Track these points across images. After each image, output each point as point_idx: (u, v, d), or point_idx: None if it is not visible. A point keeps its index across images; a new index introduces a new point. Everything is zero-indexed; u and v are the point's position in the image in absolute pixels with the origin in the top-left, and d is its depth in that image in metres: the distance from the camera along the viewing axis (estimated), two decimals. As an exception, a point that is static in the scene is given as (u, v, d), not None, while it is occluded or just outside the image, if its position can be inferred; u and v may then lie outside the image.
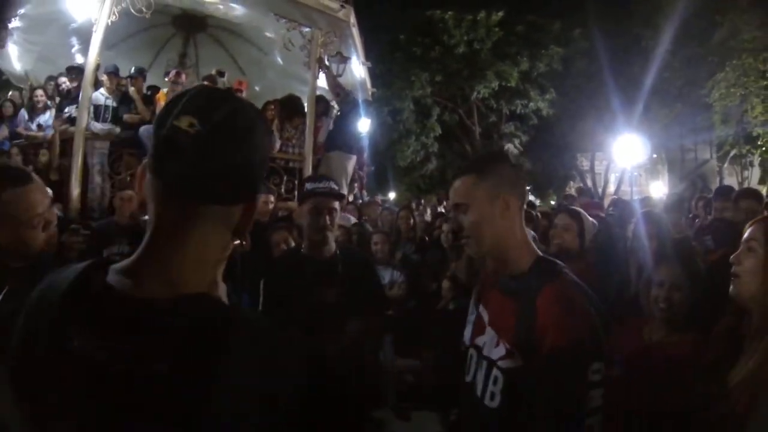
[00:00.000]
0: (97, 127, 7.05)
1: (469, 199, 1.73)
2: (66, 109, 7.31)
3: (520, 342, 1.59)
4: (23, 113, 7.87)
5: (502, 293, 1.74)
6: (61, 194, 6.12)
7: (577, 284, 1.66)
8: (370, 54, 10.64)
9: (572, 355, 1.49)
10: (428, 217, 8.91)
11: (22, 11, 8.30)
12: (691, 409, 1.89)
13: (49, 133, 7.36)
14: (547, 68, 21.90)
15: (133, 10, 7.15)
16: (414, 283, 5.43)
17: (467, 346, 1.84)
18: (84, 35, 7.51)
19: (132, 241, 4.56)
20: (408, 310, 5.25)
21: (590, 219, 3.44)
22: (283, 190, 7.91)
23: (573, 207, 3.79)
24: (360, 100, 8.36)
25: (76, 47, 8.93)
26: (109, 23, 7.06)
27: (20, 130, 7.62)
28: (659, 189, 28.61)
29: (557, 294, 1.60)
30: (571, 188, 25.77)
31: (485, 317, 1.79)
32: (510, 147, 23.47)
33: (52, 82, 8.37)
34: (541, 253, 1.77)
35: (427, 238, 6.46)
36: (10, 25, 8.54)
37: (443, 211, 10.25)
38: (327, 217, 2.95)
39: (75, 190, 6.50)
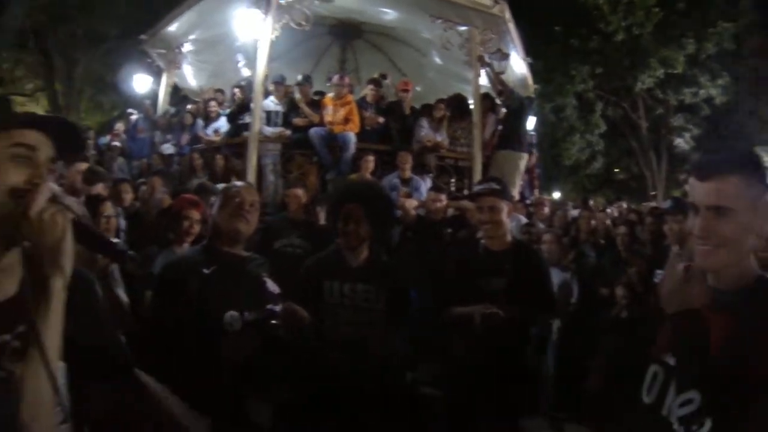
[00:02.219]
0: (269, 131, 7.55)
1: (736, 204, 1.46)
2: (240, 116, 8.04)
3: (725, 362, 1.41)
4: (200, 122, 9.02)
5: (708, 309, 1.54)
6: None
7: None
8: (526, 49, 10.30)
9: None
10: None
11: (192, 36, 9.41)
12: None
13: (224, 137, 8.32)
14: (717, 48, 19.38)
15: (293, 25, 7.62)
16: (586, 286, 5.27)
17: (650, 362, 1.66)
18: (249, 51, 8.10)
19: (303, 234, 5.00)
20: (576, 314, 5.13)
21: None
22: (453, 189, 7.91)
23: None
24: (523, 97, 8.13)
25: (242, 62, 9.63)
26: (273, 38, 7.56)
27: (200, 134, 8.75)
28: None
29: None
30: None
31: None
32: (680, 142, 21.61)
33: (219, 93, 9.43)
34: (758, 270, 1.55)
35: (603, 242, 6.16)
36: (183, 50, 9.73)
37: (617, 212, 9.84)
38: (488, 214, 3.18)
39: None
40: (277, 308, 2.36)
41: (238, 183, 2.70)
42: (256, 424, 2.35)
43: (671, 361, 1.58)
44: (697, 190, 1.54)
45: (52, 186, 1.24)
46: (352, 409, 2.68)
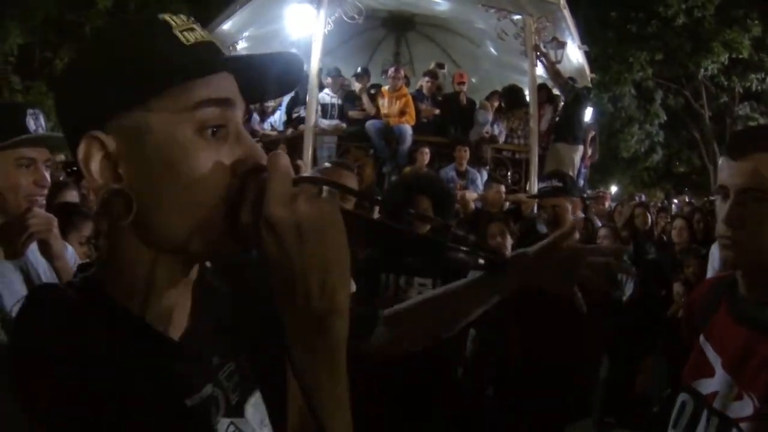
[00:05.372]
0: (325, 123, 7.64)
1: None
2: (295, 110, 8.09)
3: None
4: (255, 116, 9.02)
5: (746, 326, 1.28)
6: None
7: None
8: (581, 36, 10.05)
9: None
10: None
11: (246, 34, 9.51)
12: None
13: (281, 131, 8.46)
14: (786, 30, 18.34)
15: (345, 18, 7.70)
16: (643, 285, 5.07)
17: (678, 388, 1.41)
18: (302, 46, 8.19)
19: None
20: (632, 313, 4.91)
21: None
22: (509, 181, 7.87)
23: None
24: (580, 88, 7.96)
25: None
26: (326, 32, 7.66)
27: (256, 127, 8.76)
28: None
29: None
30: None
31: (711, 354, 1.33)
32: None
33: None
34: None
35: (665, 237, 5.98)
36: (238, 47, 9.74)
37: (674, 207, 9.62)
38: (551, 214, 3.14)
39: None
40: None
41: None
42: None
43: (703, 388, 1.32)
44: (728, 170, 1.25)
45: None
46: (400, 402, 2.66)
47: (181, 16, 0.70)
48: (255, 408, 0.79)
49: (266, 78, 0.73)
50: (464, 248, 0.77)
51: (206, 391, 0.72)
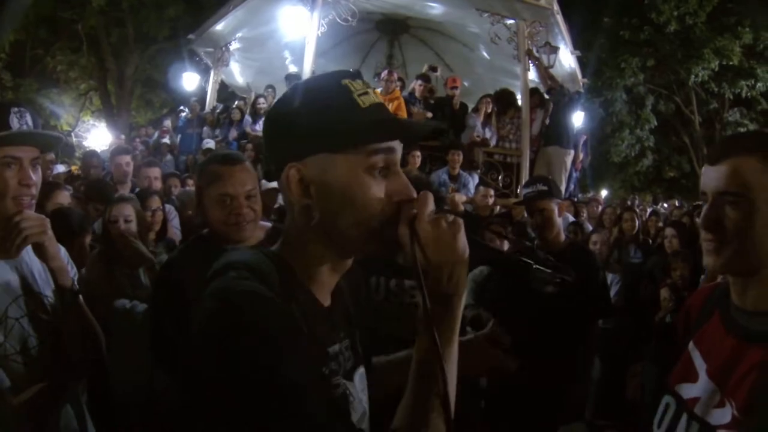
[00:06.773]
0: None
1: (751, 190, 1.18)
2: None
3: (759, 411, 1.13)
4: (248, 118, 8.99)
5: (734, 334, 1.27)
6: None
7: None
8: (574, 41, 10.10)
9: None
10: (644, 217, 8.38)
11: (239, 34, 9.58)
12: None
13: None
14: (776, 38, 18.49)
15: (339, 20, 7.76)
16: (631, 289, 5.12)
17: (663, 390, 1.40)
18: (296, 48, 8.19)
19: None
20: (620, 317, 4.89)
21: None
22: (500, 185, 7.89)
23: None
24: (572, 93, 7.98)
25: (289, 59, 9.78)
26: (319, 34, 7.70)
27: (248, 130, 8.71)
28: None
29: None
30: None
31: (697, 360, 1.34)
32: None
33: (270, 89, 9.29)
34: None
35: (651, 241, 5.96)
36: (231, 47, 9.94)
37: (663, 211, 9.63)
38: (539, 217, 3.16)
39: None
40: None
41: None
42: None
43: (685, 392, 1.33)
44: (707, 175, 1.27)
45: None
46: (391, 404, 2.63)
47: (358, 81, 0.99)
48: (360, 378, 1.10)
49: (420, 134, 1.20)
50: (547, 269, 1.02)
51: (335, 348, 1.03)
